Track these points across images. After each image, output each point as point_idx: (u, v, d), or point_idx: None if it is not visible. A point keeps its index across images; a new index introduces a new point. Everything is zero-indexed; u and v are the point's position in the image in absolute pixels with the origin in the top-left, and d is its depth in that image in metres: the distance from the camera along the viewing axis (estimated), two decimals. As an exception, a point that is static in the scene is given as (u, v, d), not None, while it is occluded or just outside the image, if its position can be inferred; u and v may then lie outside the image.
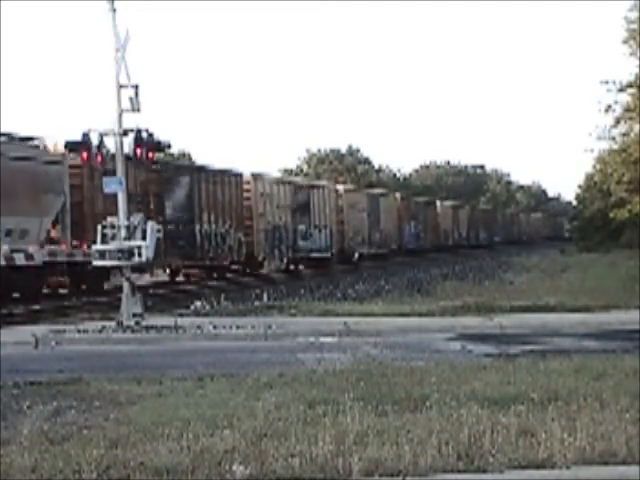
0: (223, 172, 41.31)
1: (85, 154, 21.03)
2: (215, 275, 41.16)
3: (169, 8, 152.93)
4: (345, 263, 54.15)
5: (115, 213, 21.21)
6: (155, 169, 34.09)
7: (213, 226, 39.30)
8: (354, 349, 14.47)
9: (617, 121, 37.57)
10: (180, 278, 40.42)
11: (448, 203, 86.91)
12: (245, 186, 42.43)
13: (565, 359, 12.90)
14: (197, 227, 38.10)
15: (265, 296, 27.93)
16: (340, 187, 57.59)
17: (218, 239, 39.68)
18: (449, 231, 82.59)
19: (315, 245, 49.70)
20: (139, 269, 30.08)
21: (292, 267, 49.25)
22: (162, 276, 40.33)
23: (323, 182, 59.46)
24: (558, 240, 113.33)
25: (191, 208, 37.89)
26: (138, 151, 20.79)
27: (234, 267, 42.49)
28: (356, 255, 57.11)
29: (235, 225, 41.11)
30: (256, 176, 44.00)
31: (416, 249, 69.99)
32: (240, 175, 42.18)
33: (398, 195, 70.15)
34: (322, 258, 50.71)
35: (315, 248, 49.69)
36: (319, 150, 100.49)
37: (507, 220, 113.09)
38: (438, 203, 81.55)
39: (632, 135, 37.68)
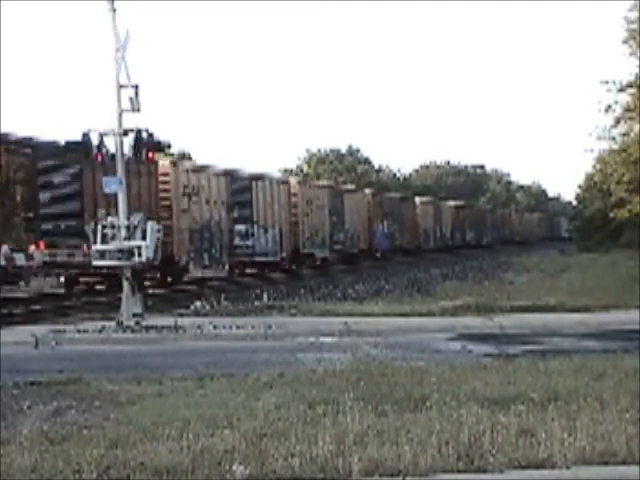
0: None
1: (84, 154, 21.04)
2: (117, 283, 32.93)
3: (169, 8, 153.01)
4: (300, 268, 48.21)
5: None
6: (25, 152, 28.27)
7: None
8: (354, 349, 14.46)
9: (617, 121, 37.59)
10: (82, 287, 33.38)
11: (428, 200, 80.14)
12: (162, 177, 35.46)
13: (565, 359, 12.91)
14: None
15: (265, 296, 27.93)
16: (293, 180, 51.21)
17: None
18: (430, 231, 75.33)
19: (260, 247, 43.22)
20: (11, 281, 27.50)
21: (235, 272, 42.70)
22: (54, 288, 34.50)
23: (271, 174, 50.34)
24: (555, 241, 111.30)
25: (81, 202, 30.53)
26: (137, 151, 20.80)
27: (148, 274, 33.56)
28: (320, 257, 51.21)
29: None
30: (176, 164, 38.15)
31: (389, 251, 64.20)
32: (155, 163, 34.09)
33: (368, 191, 64.06)
34: (268, 262, 44.78)
35: (259, 251, 43.21)
36: (319, 150, 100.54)
37: (498, 220, 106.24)
38: (417, 200, 74.52)
39: (632, 135, 37.68)
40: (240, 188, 41.77)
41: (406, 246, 67.99)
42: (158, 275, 35.29)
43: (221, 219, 39.58)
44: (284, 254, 46.01)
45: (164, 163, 35.90)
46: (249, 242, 42.20)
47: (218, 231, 39.47)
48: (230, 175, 41.34)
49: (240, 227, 41.38)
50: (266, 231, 43.98)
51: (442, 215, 79.55)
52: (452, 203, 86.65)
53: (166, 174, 35.88)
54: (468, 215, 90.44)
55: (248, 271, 43.93)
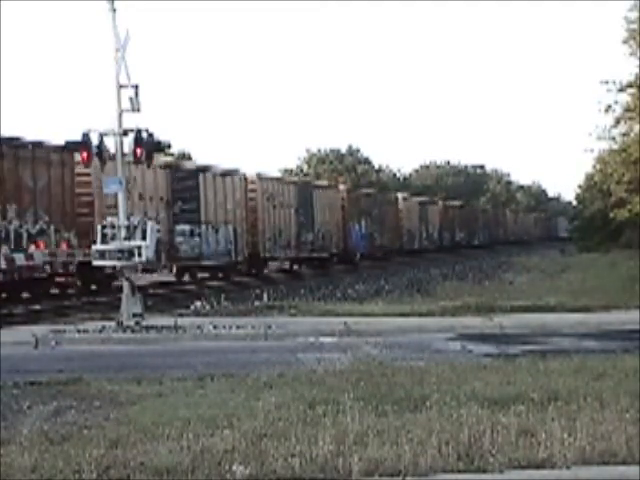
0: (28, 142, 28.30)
1: (85, 154, 21.02)
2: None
3: (169, 8, 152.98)
4: (259, 271, 43.51)
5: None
6: None
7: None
8: (354, 349, 14.47)
9: (617, 121, 37.54)
10: None
11: (414, 198, 74.61)
12: (77, 169, 29.16)
13: (565, 359, 12.91)
14: None
15: (265, 296, 27.93)
16: (252, 174, 43.70)
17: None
18: (415, 232, 69.60)
19: (208, 249, 37.98)
20: None
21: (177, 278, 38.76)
22: None
23: (223, 166, 41.98)
24: (553, 241, 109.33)
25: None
26: (138, 151, 20.79)
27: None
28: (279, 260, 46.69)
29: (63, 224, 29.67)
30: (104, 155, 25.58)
31: (369, 253, 58.51)
32: (64, 150, 26.94)
33: (342, 187, 58.02)
34: (219, 267, 39.90)
35: (207, 253, 38.01)
36: (319, 150, 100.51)
37: (491, 219, 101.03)
38: (400, 197, 68.52)
39: (632, 135, 37.64)
40: (181, 182, 36.68)
41: (388, 247, 62.58)
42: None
43: (157, 217, 33.23)
44: (239, 257, 40.83)
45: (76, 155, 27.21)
46: (192, 244, 37.04)
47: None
48: (172, 168, 36.99)
49: (183, 226, 36.59)
50: (217, 231, 38.93)
51: (429, 214, 74.22)
52: (440, 201, 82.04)
53: (77, 162, 27.84)
54: (458, 214, 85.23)
55: (200, 275, 39.98)
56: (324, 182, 59.48)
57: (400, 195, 69.25)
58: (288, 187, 47.71)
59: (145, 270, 32.52)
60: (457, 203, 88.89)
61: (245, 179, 42.16)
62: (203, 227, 37.91)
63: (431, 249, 72.39)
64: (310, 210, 49.77)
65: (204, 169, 39.69)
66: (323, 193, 52.85)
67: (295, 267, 49.45)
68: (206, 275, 40.18)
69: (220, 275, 40.57)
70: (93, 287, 31.84)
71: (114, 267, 21.61)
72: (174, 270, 38.63)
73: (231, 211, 40.26)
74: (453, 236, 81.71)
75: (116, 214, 20.58)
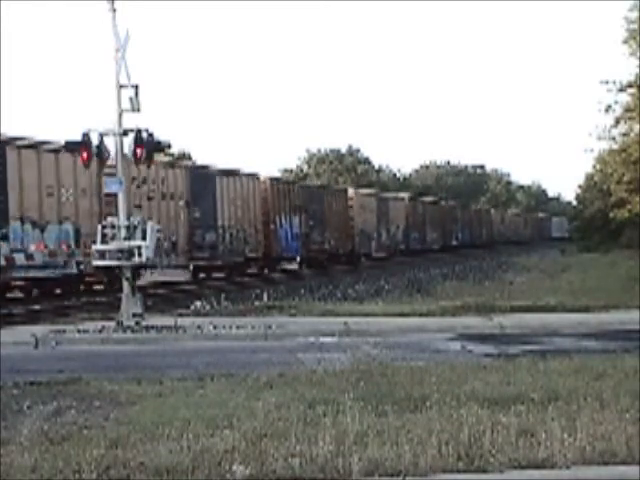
0: None
1: (85, 154, 21.01)
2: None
3: (169, 8, 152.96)
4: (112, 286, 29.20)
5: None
6: None
7: None
8: (354, 349, 14.45)
9: (617, 121, 37.55)
10: None
11: (368, 192, 63.96)
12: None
13: (565, 359, 12.91)
14: None
15: (265, 296, 27.93)
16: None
17: None
18: (371, 232, 58.23)
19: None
20: None
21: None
22: None
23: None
24: (546, 243, 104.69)
25: None
26: (138, 151, 20.78)
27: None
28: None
29: None
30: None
31: (303, 258, 47.97)
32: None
33: (263, 177, 44.36)
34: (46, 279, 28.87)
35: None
36: (319, 150, 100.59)
37: (473, 218, 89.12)
38: (350, 191, 57.40)
39: (632, 135, 37.65)
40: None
41: (333, 251, 51.56)
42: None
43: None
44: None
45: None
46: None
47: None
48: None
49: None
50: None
51: (390, 211, 62.63)
52: (406, 196, 70.72)
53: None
54: (429, 211, 73.18)
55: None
56: (235, 168, 42.26)
57: (351, 189, 59.24)
58: (175, 173, 36.03)
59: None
60: (429, 199, 79.35)
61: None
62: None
63: (393, 252, 62.47)
64: (210, 203, 38.33)
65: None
66: (231, 182, 40.27)
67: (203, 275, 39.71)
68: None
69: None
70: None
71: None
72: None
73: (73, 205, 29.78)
74: (423, 238, 70.58)
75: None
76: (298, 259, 47.58)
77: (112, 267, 21.41)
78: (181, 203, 35.69)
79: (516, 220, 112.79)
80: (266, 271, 43.83)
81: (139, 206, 31.88)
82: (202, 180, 37.83)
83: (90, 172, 27.23)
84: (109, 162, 21.96)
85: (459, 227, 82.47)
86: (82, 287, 31.27)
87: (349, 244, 53.85)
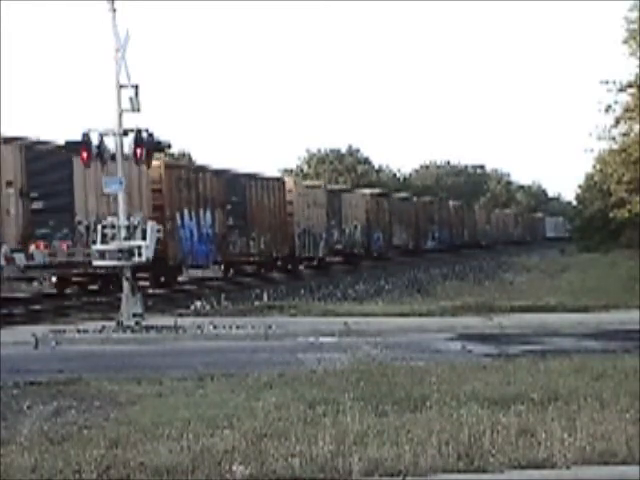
0: None
1: (85, 154, 21.00)
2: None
3: (169, 8, 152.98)
4: None
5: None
6: None
7: None
8: (354, 349, 14.46)
9: (617, 121, 37.53)
10: None
11: (313, 183, 55.89)
12: None
13: (565, 359, 12.91)
14: None
15: (265, 296, 27.93)
16: None
17: None
18: (319, 233, 48.43)
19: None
20: None
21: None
22: None
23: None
24: (537, 244, 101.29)
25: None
26: (138, 151, 20.78)
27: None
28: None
29: None
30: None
31: (227, 264, 40.38)
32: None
33: (158, 162, 33.03)
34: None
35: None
36: (319, 150, 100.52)
37: (452, 217, 77.57)
38: (289, 182, 46.88)
39: (632, 135, 37.64)
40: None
41: (264, 255, 42.40)
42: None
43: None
44: None
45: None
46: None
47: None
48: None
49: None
50: None
51: (344, 207, 53.06)
52: (367, 191, 60.84)
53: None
54: (397, 209, 62.87)
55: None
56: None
57: (290, 180, 48.56)
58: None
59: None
60: (402, 195, 70.04)
61: None
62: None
63: (349, 255, 53.71)
64: (67, 194, 28.82)
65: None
66: (92, 171, 26.70)
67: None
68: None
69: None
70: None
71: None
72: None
73: None
74: (389, 239, 60.76)
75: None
76: (211, 266, 40.40)
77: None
78: (11, 191, 26.31)
79: (505, 219, 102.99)
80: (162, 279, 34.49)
81: None
82: (41, 164, 27.36)
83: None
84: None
85: (436, 227, 72.48)
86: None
87: (286, 247, 44.45)
